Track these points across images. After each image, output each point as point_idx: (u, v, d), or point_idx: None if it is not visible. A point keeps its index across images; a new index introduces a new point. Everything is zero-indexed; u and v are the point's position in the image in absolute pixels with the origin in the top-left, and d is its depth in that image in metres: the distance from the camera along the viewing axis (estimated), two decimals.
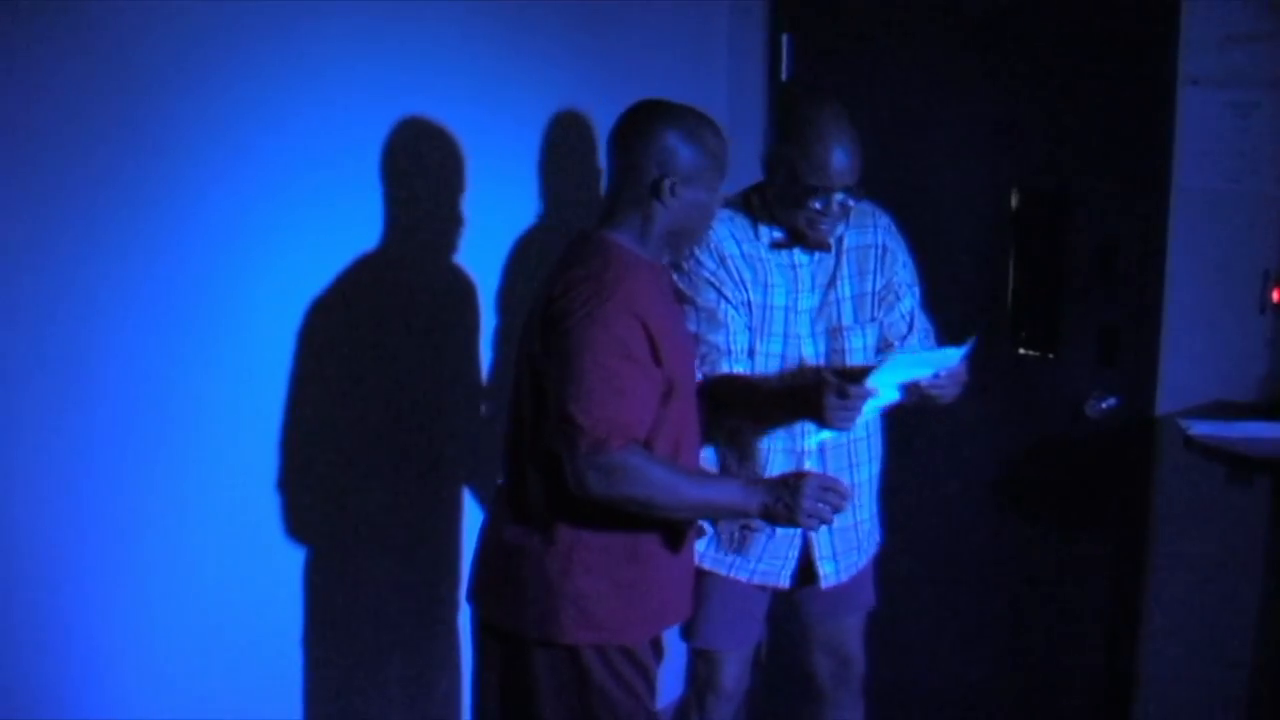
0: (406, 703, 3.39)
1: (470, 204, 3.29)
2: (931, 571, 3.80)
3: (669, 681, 3.59)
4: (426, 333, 3.29)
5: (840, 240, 2.94)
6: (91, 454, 2.68)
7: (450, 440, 3.37)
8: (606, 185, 2.64)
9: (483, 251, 3.35)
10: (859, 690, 3.24)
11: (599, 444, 2.41)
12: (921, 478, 3.66)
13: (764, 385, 2.87)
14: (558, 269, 2.57)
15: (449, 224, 3.28)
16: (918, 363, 2.76)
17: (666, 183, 2.51)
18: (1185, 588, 3.37)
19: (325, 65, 2.96)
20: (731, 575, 3.01)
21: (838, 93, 3.68)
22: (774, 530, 2.93)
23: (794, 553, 3.00)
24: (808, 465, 2.94)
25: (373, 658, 3.30)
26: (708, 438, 2.92)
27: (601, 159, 2.83)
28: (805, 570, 3.04)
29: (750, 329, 2.89)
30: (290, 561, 3.09)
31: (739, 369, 2.88)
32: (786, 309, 2.91)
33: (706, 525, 2.93)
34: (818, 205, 2.80)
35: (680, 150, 2.52)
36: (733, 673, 3.12)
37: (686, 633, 3.11)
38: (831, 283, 2.95)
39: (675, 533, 2.63)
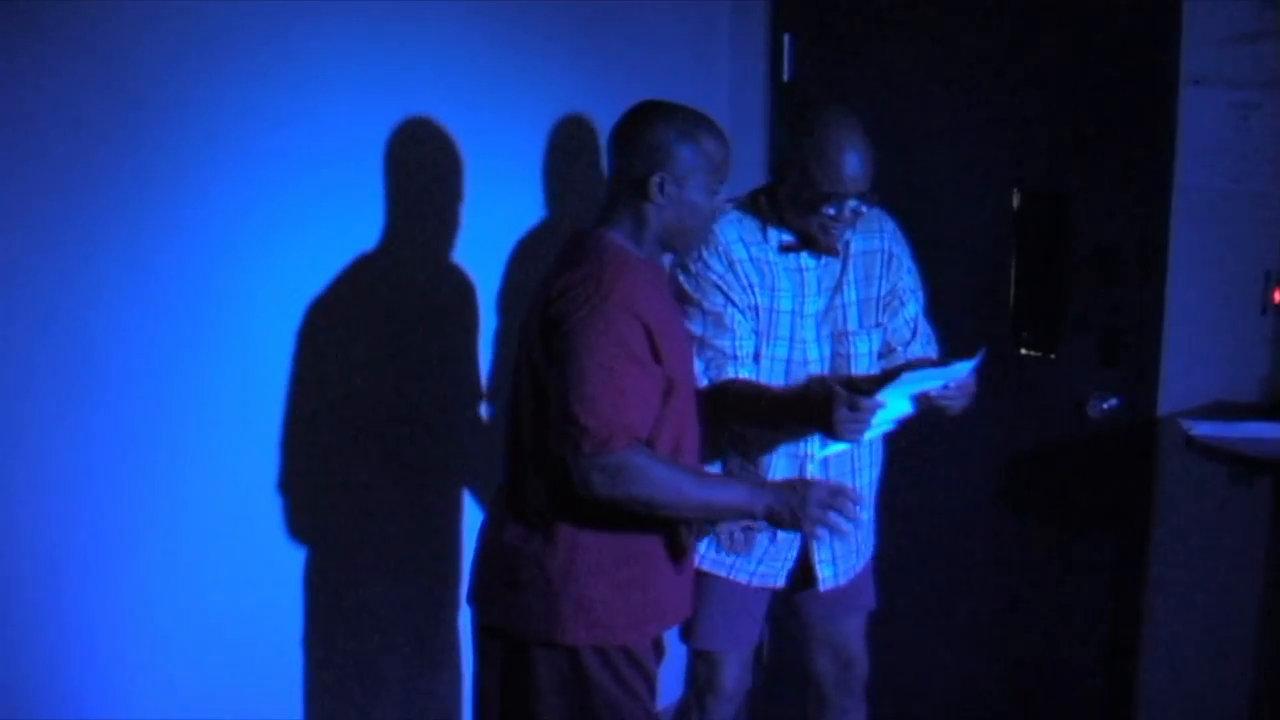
0: (407, 703, 3.38)
1: (471, 204, 3.29)
2: (933, 572, 3.80)
3: (669, 682, 3.59)
4: (428, 334, 3.29)
5: (847, 245, 2.93)
6: (92, 454, 2.68)
7: (452, 441, 3.37)
8: (606, 185, 2.64)
9: (484, 252, 3.35)
10: (861, 691, 3.24)
11: (603, 444, 2.40)
12: (923, 478, 3.66)
13: (771, 393, 2.87)
14: (555, 269, 2.57)
15: (450, 225, 3.28)
16: (928, 377, 2.75)
17: (655, 180, 2.51)
18: (1186, 587, 3.37)
19: (326, 65, 2.96)
20: (731, 577, 3.01)
21: (838, 93, 3.71)
22: (775, 533, 2.93)
23: (793, 554, 3.00)
24: (810, 469, 2.94)
25: (373, 658, 3.29)
26: (714, 448, 2.92)
27: (603, 159, 2.84)
28: (804, 572, 3.04)
29: (756, 333, 2.89)
30: (291, 562, 3.09)
31: (744, 373, 2.87)
32: (793, 313, 2.91)
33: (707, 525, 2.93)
34: (831, 211, 2.79)
35: (673, 149, 2.51)
36: (732, 673, 3.12)
37: (686, 634, 3.11)
38: (838, 287, 2.95)
39: (675, 533, 2.63)
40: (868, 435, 2.76)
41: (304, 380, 3.02)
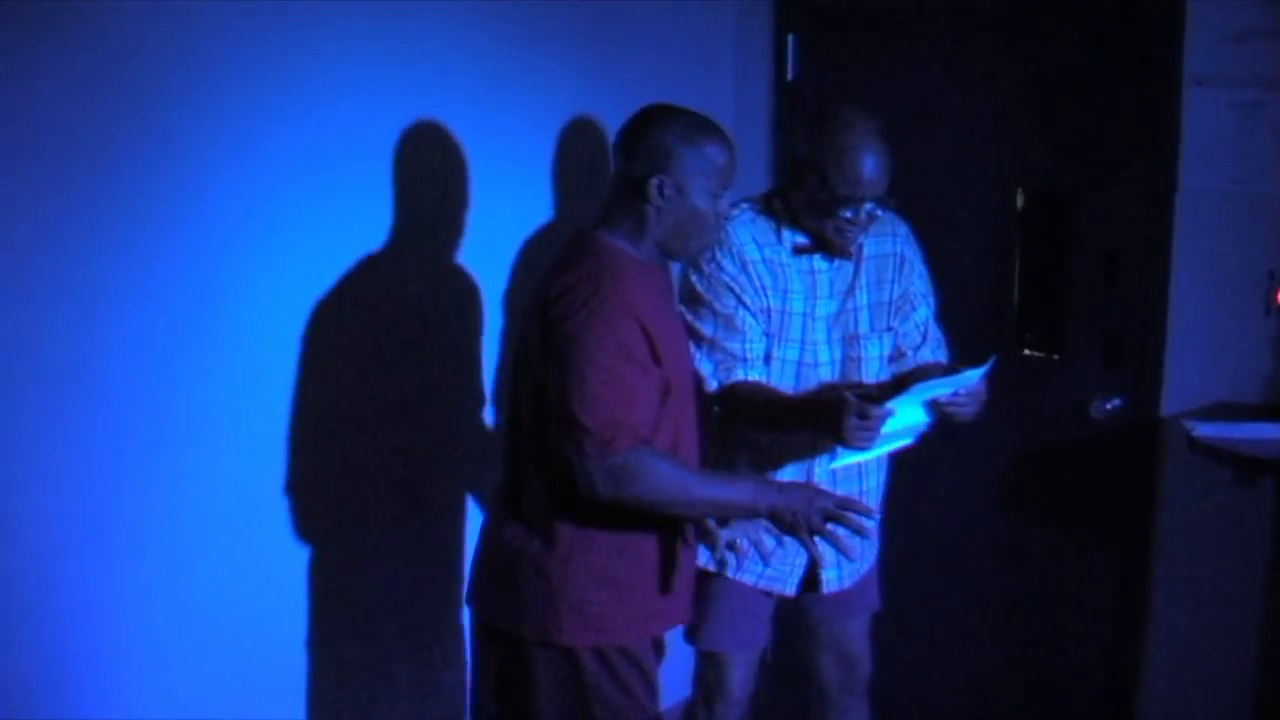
0: (411, 703, 3.39)
1: (476, 206, 3.29)
2: (936, 573, 3.80)
3: (674, 682, 3.59)
4: (432, 335, 3.29)
5: (860, 248, 2.93)
6: (94, 454, 2.69)
7: (456, 442, 3.38)
8: (609, 186, 2.64)
9: (489, 254, 3.35)
10: (863, 691, 3.24)
11: (606, 445, 2.40)
12: (927, 479, 3.65)
13: (782, 398, 2.87)
14: (553, 270, 2.57)
15: (454, 226, 3.28)
16: (938, 385, 2.75)
17: (654, 182, 2.50)
18: (1189, 588, 3.37)
19: (332, 66, 2.97)
20: (738, 578, 3.01)
21: (842, 93, 3.70)
22: (783, 538, 2.93)
23: (802, 559, 3.00)
24: (818, 474, 2.94)
25: (377, 658, 3.30)
26: (726, 452, 2.92)
27: (607, 160, 2.84)
28: (810, 574, 3.04)
29: (768, 335, 2.89)
30: (294, 562, 3.10)
31: (754, 375, 2.87)
32: (804, 315, 2.91)
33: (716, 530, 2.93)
34: (848, 214, 2.79)
35: (675, 153, 2.50)
36: (740, 676, 3.12)
37: (692, 635, 3.11)
38: (850, 290, 2.95)
39: (674, 535, 2.63)
40: (881, 448, 2.76)
41: (308, 380, 3.03)
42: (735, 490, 2.57)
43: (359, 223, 3.09)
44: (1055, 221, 3.53)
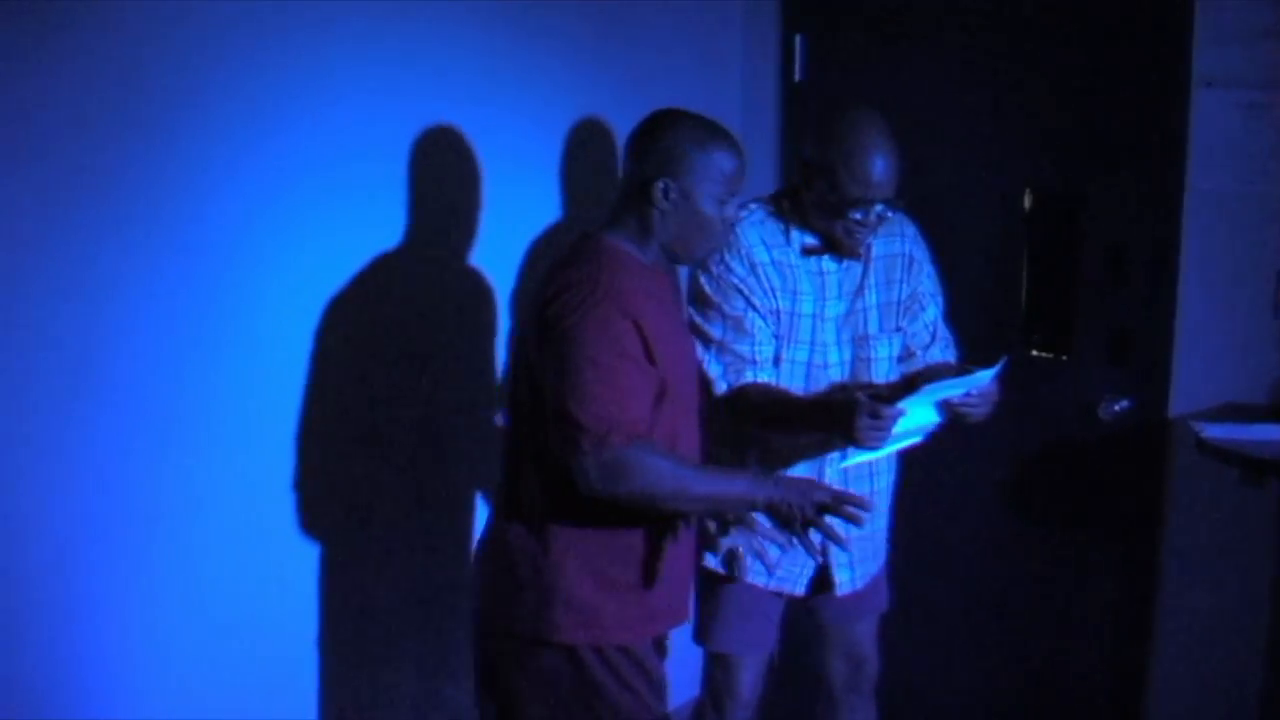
0: (419, 703, 3.39)
1: (484, 206, 3.29)
2: (943, 573, 3.80)
3: (681, 683, 3.59)
4: (441, 335, 3.29)
5: (868, 249, 2.93)
6: (102, 454, 2.69)
7: (465, 441, 3.38)
8: (618, 188, 2.65)
9: (497, 254, 3.35)
10: (870, 691, 3.24)
11: (601, 441, 2.40)
12: (935, 480, 3.65)
13: (792, 399, 2.87)
14: (554, 269, 2.58)
15: (463, 226, 3.28)
16: (949, 385, 2.75)
17: (659, 185, 2.51)
18: (1197, 588, 3.37)
19: (340, 66, 2.97)
20: (749, 580, 3.01)
21: (850, 94, 3.71)
22: (791, 540, 2.93)
23: (812, 562, 3.00)
24: (829, 474, 2.94)
25: (384, 658, 3.30)
26: (737, 454, 2.93)
27: (616, 160, 2.84)
28: (821, 576, 3.04)
29: (777, 337, 2.89)
30: (302, 562, 3.10)
31: (763, 377, 2.87)
32: (814, 316, 2.91)
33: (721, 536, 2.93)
34: (858, 216, 2.79)
35: (682, 157, 2.50)
36: (749, 678, 3.12)
37: (702, 637, 3.11)
38: (859, 290, 2.95)
39: (674, 532, 2.63)
40: (891, 446, 2.76)
41: (315, 380, 3.03)
42: (731, 484, 2.56)
43: (366, 223, 3.09)
44: (1063, 222, 3.53)
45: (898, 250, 2.99)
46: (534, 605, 2.56)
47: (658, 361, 2.49)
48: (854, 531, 3.00)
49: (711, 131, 2.55)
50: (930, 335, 3.04)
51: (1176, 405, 3.37)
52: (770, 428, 2.90)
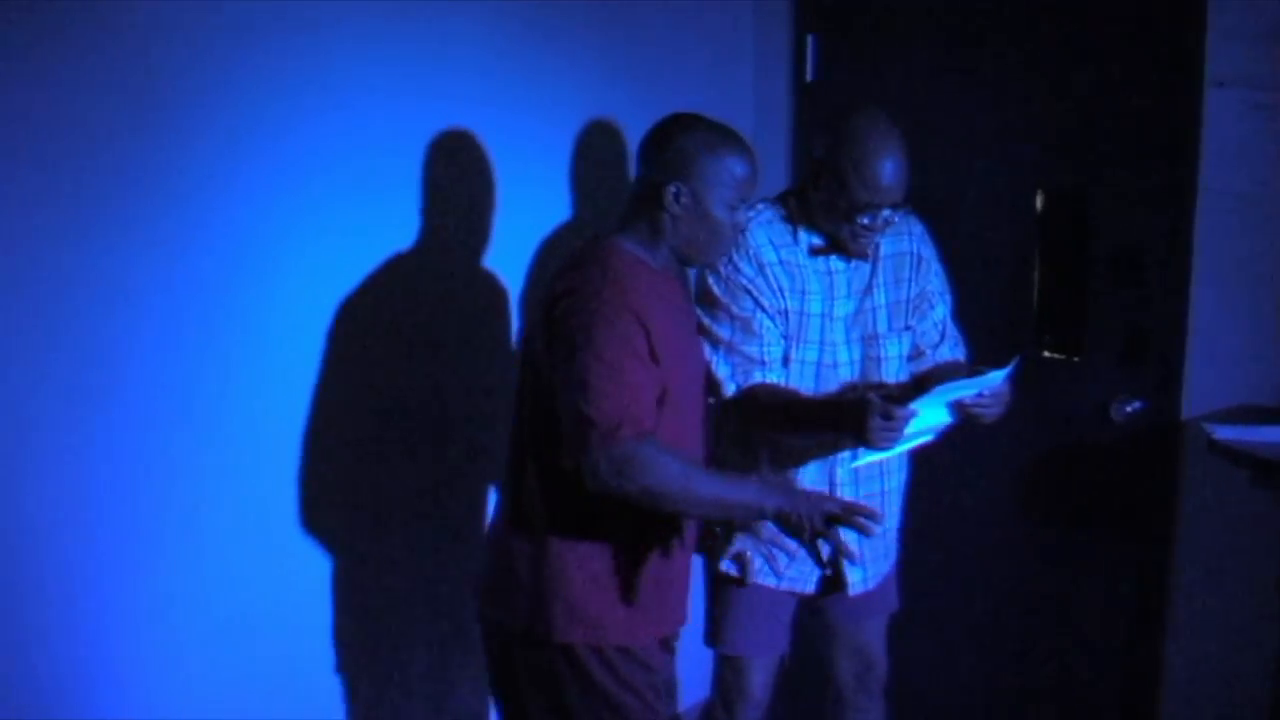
0: (430, 700, 3.40)
1: (495, 207, 3.29)
2: (954, 574, 3.79)
3: (692, 684, 3.60)
4: (452, 335, 3.30)
5: (876, 248, 2.93)
6: (112, 452, 2.69)
7: (475, 440, 3.38)
8: (630, 190, 2.65)
9: (509, 255, 3.35)
10: (879, 691, 3.24)
11: (610, 435, 2.39)
12: (946, 480, 3.65)
13: (802, 400, 2.86)
14: (562, 270, 2.58)
15: (475, 227, 3.29)
16: (962, 386, 2.75)
17: (671, 189, 2.51)
18: (1208, 590, 3.36)
19: (351, 67, 2.98)
20: (759, 581, 3.01)
21: (862, 94, 3.70)
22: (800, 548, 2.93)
23: (839, 541, 2.99)
24: (839, 473, 2.94)
25: (396, 655, 3.31)
26: (746, 455, 2.92)
27: (627, 161, 2.84)
28: (832, 576, 3.04)
29: (785, 337, 2.89)
30: (313, 561, 3.11)
31: (772, 378, 2.87)
32: (822, 316, 2.91)
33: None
34: (865, 220, 2.79)
35: (694, 161, 2.51)
36: (760, 680, 3.12)
37: (713, 639, 3.11)
38: (867, 290, 2.95)
39: (673, 535, 2.63)
40: (902, 446, 2.76)
41: (327, 382, 3.04)
42: (740, 490, 2.53)
43: (377, 224, 3.09)
44: (1075, 223, 3.53)
45: (905, 249, 2.98)
46: (533, 605, 2.57)
47: (661, 362, 2.49)
48: (849, 533, 3.01)
49: (724, 136, 2.55)
50: (939, 334, 3.04)
51: (1189, 407, 3.36)
52: (780, 429, 2.90)
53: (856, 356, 2.95)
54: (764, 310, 2.85)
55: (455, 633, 3.40)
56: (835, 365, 2.92)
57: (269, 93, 2.84)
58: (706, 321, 2.87)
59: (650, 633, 2.66)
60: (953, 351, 3.06)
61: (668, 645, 2.77)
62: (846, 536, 2.98)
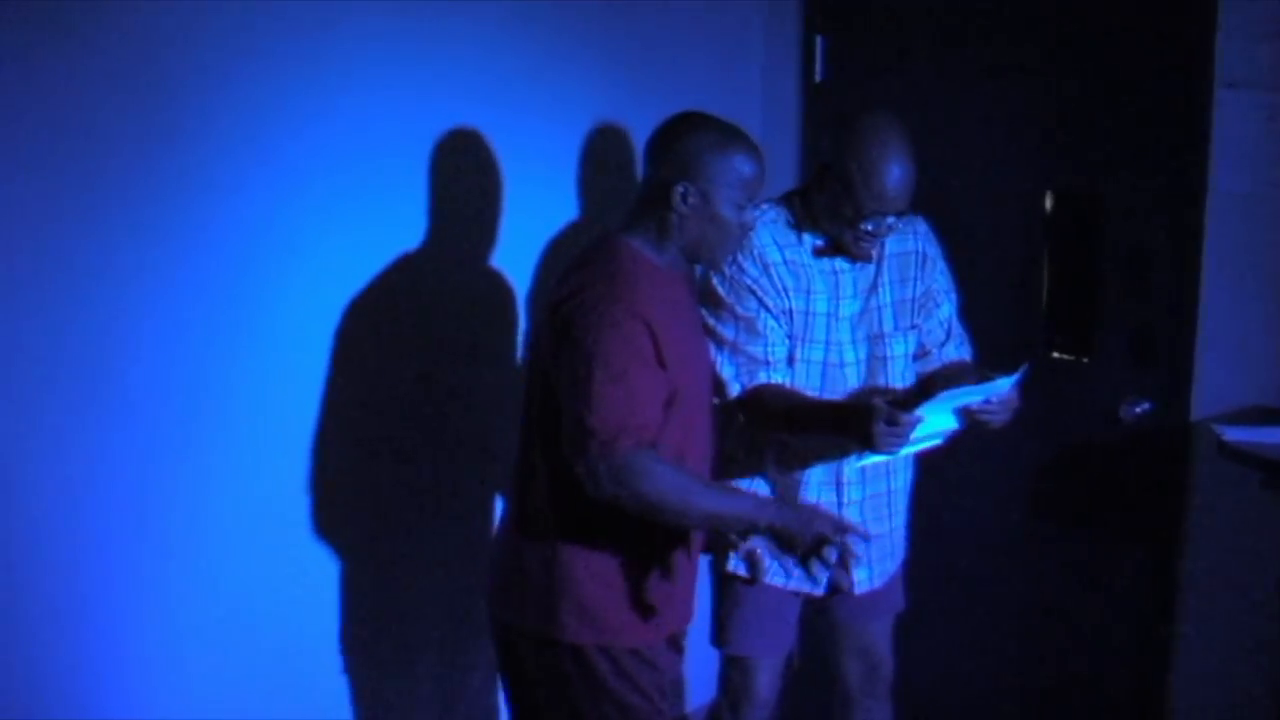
0: (439, 701, 3.40)
1: (504, 206, 3.29)
2: (962, 575, 3.79)
3: (700, 685, 3.60)
4: (461, 334, 3.30)
5: (881, 246, 2.93)
6: (118, 454, 2.69)
7: (483, 440, 3.38)
8: (637, 189, 2.64)
9: (517, 254, 3.35)
10: (886, 692, 3.23)
11: (610, 443, 2.40)
12: (954, 480, 3.65)
13: (808, 402, 2.86)
14: (569, 270, 2.58)
15: (483, 227, 3.29)
16: (969, 392, 2.75)
17: (679, 189, 2.51)
18: (1218, 592, 3.35)
19: (360, 66, 2.98)
20: (767, 582, 3.01)
21: (870, 94, 3.70)
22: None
23: (831, 559, 2.99)
24: (846, 474, 2.94)
25: (404, 656, 3.31)
26: (753, 454, 2.92)
27: (635, 160, 2.84)
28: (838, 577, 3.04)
29: (790, 337, 2.89)
30: (321, 562, 3.11)
31: (777, 378, 2.87)
32: (828, 315, 2.91)
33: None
34: (869, 227, 2.79)
35: (701, 161, 2.50)
36: (766, 680, 3.11)
37: (719, 639, 3.11)
38: (873, 289, 2.95)
39: (679, 537, 2.63)
40: (908, 450, 2.76)
41: (334, 382, 3.04)
42: (736, 504, 2.55)
43: (384, 224, 3.09)
44: (1084, 224, 3.52)
45: (911, 248, 2.98)
46: (542, 604, 2.57)
47: (669, 366, 2.49)
48: (872, 530, 3.01)
49: (731, 136, 2.55)
50: (945, 332, 3.03)
51: (1198, 408, 3.35)
52: (785, 430, 2.89)
53: (862, 356, 2.94)
54: (768, 310, 2.85)
55: (463, 633, 3.40)
56: (841, 365, 2.92)
57: (276, 93, 2.84)
58: (711, 322, 2.86)
59: (659, 631, 2.65)
60: (958, 350, 3.06)
61: (676, 644, 2.77)
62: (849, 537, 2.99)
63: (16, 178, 2.46)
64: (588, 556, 2.56)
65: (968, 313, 3.12)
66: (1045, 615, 3.70)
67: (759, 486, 2.98)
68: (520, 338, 3.40)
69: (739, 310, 2.85)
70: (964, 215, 3.56)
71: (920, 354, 3.03)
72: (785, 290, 2.86)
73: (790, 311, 2.87)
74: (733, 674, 3.14)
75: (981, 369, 3.00)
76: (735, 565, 2.99)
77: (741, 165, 2.53)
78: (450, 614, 3.38)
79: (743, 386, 2.85)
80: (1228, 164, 3.25)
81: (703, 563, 2.87)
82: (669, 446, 2.54)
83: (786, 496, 2.98)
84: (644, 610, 2.60)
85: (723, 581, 3.07)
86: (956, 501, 3.71)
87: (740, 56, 3.94)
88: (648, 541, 2.57)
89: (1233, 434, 3.09)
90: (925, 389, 2.89)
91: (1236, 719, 3.36)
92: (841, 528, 2.50)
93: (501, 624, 2.68)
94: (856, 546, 2.97)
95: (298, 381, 2.99)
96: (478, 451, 3.38)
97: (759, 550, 2.84)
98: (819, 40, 3.89)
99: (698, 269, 2.95)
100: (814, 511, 2.55)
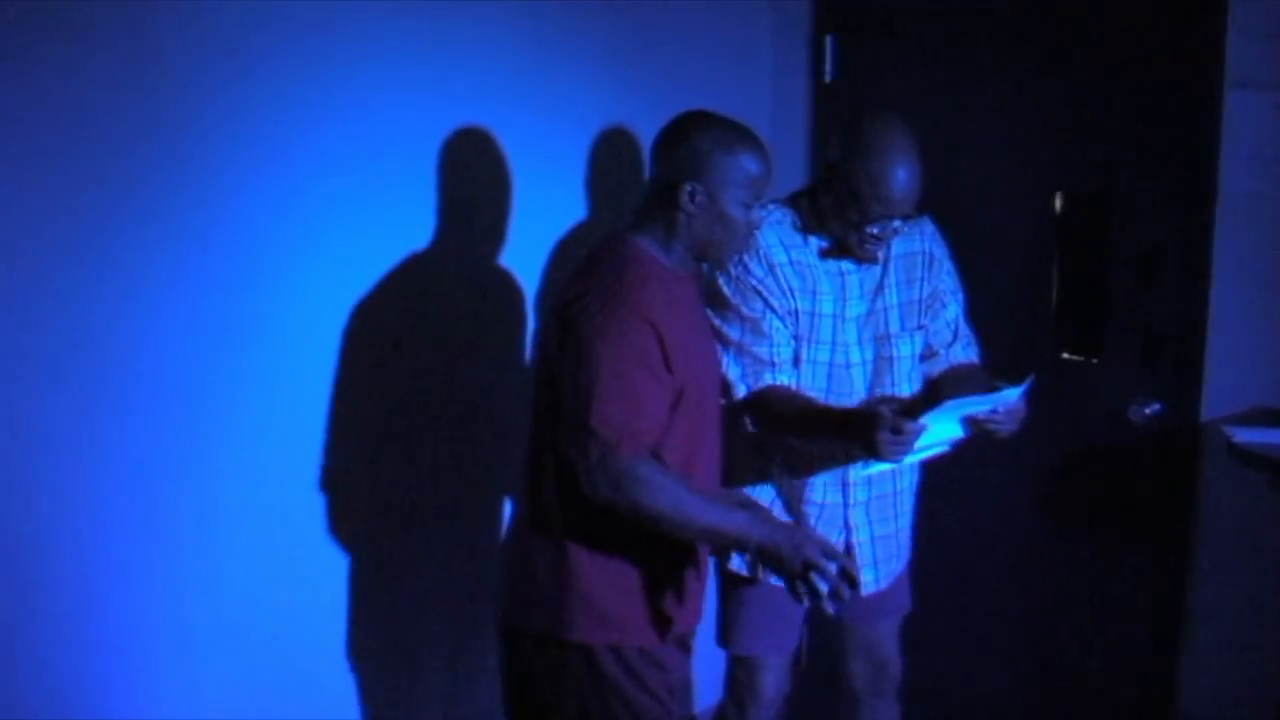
0: (446, 702, 3.40)
1: (513, 207, 3.29)
2: (971, 575, 3.78)
3: (709, 685, 3.60)
4: (470, 334, 3.30)
5: (887, 247, 2.93)
6: (126, 453, 2.70)
7: (492, 442, 3.38)
8: (644, 189, 2.64)
9: (525, 254, 3.35)
10: (893, 693, 3.23)
11: (610, 450, 2.41)
12: (962, 481, 3.64)
13: (812, 407, 2.86)
14: (577, 270, 2.58)
15: (492, 227, 3.29)
16: (975, 402, 2.74)
17: (686, 189, 2.50)
18: (1228, 595, 3.35)
19: (369, 66, 2.98)
20: (771, 582, 3.01)
21: (880, 95, 3.70)
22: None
23: (821, 590, 2.98)
24: (852, 475, 2.94)
25: (412, 657, 3.31)
26: (760, 457, 2.92)
27: (644, 161, 2.84)
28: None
29: (796, 338, 2.88)
30: (328, 562, 3.11)
31: (782, 379, 2.87)
32: (834, 316, 2.90)
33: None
34: (875, 230, 2.79)
35: (708, 160, 2.50)
36: (772, 680, 3.11)
37: (724, 639, 3.11)
38: (879, 290, 2.94)
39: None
40: (914, 457, 2.75)
41: (343, 382, 3.04)
42: (730, 520, 2.51)
43: (393, 223, 3.10)
44: (1094, 224, 3.51)
45: (917, 248, 2.98)
46: (552, 604, 2.57)
47: (676, 368, 2.48)
48: (877, 531, 3.01)
49: (738, 135, 2.54)
50: (952, 333, 3.03)
51: (1208, 409, 3.34)
52: (790, 433, 2.89)
53: (869, 357, 2.94)
54: (774, 311, 2.85)
55: (471, 636, 3.40)
56: (847, 366, 2.92)
57: (284, 92, 2.84)
58: (717, 322, 2.86)
59: (667, 631, 2.65)
60: (965, 351, 3.05)
61: (684, 645, 2.77)
62: (859, 534, 2.99)
63: (23, 177, 2.47)
64: (597, 556, 2.56)
65: (978, 313, 3.12)
66: (1054, 615, 3.69)
67: (765, 490, 2.98)
68: (528, 338, 3.40)
69: (744, 311, 2.85)
70: (974, 215, 3.56)
71: (927, 355, 3.02)
72: (791, 291, 2.86)
73: (796, 312, 2.87)
74: (739, 674, 3.14)
75: (989, 372, 2.99)
76: (738, 565, 2.99)
77: (748, 164, 2.53)
78: (458, 616, 3.39)
79: (748, 388, 2.85)
80: (1238, 164, 3.25)
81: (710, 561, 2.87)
82: (676, 447, 2.54)
83: (790, 499, 2.98)
84: (654, 610, 2.60)
85: (727, 581, 3.06)
86: (966, 502, 3.70)
87: (750, 56, 3.93)
88: (657, 542, 2.57)
89: (1243, 435, 3.08)
90: (932, 394, 2.89)
91: (1246, 716, 3.35)
92: (831, 553, 2.47)
93: (508, 625, 2.68)
94: (859, 552, 2.99)
95: (305, 381, 3.00)
96: (486, 452, 3.38)
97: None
98: (829, 40, 3.89)
99: (705, 268, 2.95)
100: (806, 535, 2.52)
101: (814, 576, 2.44)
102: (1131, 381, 3.46)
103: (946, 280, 3.02)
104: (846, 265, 2.90)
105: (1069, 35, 3.50)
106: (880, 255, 2.90)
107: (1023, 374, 2.79)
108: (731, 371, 2.85)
